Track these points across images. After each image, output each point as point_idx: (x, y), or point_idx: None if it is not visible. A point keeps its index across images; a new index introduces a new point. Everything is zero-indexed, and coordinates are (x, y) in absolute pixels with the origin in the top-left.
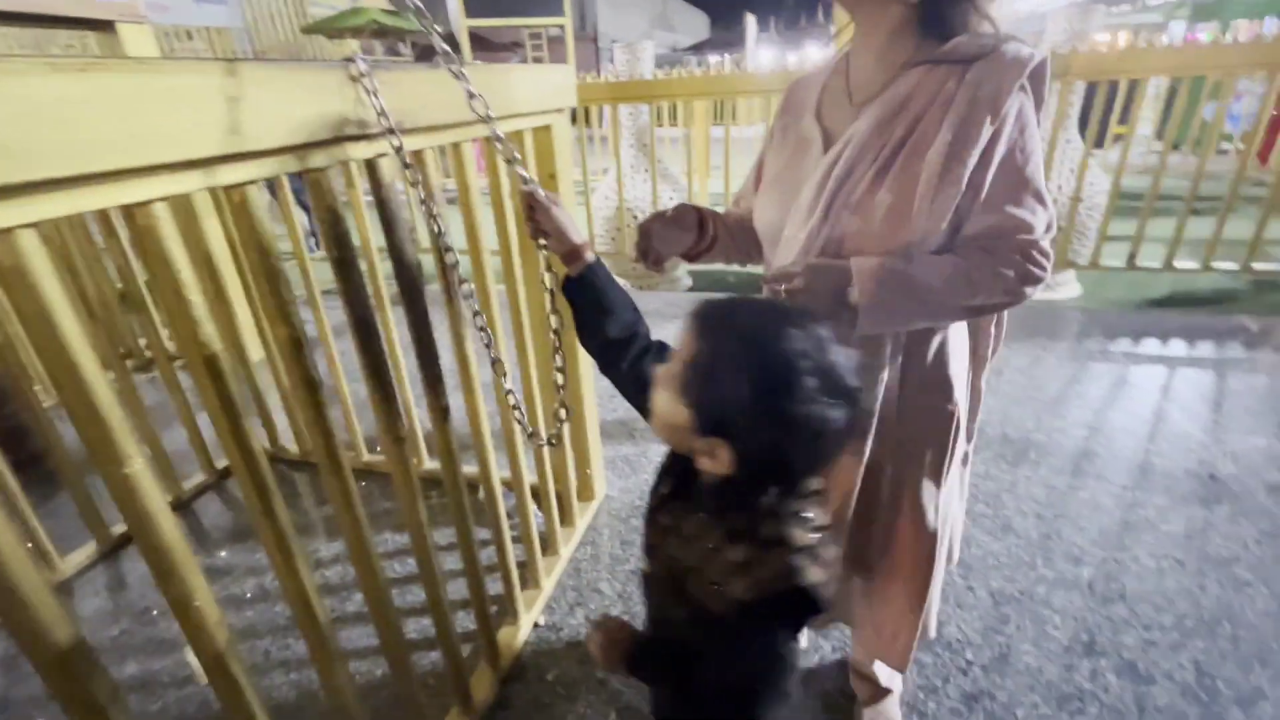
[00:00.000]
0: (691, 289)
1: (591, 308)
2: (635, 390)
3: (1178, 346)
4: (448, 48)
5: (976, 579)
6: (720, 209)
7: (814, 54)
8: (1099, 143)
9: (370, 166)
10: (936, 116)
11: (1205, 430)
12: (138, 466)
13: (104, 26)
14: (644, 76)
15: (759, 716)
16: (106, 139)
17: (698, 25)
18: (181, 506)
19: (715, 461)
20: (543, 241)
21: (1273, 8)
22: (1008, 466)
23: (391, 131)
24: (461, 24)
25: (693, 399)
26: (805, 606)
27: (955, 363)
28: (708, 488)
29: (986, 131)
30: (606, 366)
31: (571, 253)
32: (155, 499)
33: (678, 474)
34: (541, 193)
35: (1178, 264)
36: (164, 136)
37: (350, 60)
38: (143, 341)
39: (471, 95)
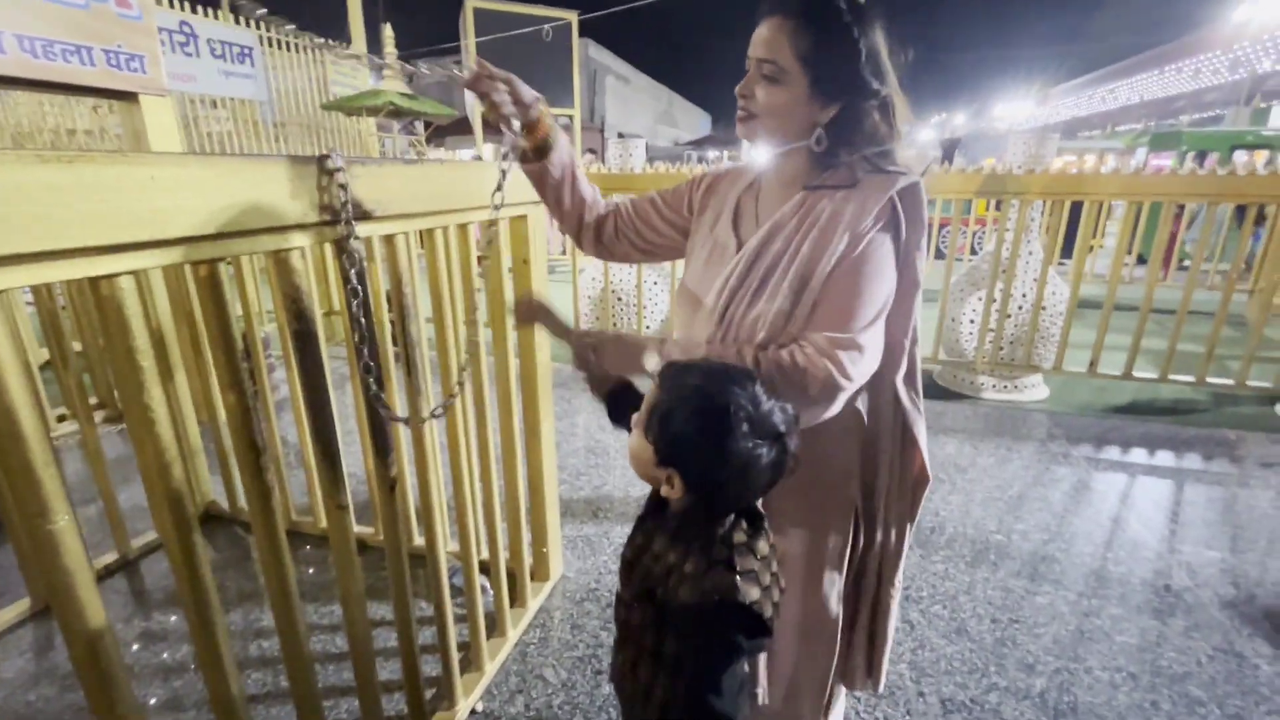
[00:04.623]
0: None
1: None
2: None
3: (1138, 454)
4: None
5: (928, 684)
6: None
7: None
8: (1066, 254)
9: (339, 248)
10: (805, 235)
11: (1162, 540)
12: (63, 523)
13: (128, 96)
14: (634, 171)
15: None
16: (84, 218)
17: (700, 122)
18: (128, 565)
19: (672, 489)
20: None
21: (1219, 142)
22: (966, 567)
23: (348, 221)
24: (476, 110)
25: (653, 436)
26: (749, 623)
27: (845, 454)
28: (673, 514)
29: (841, 246)
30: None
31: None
32: (78, 557)
33: (653, 504)
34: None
35: (1138, 373)
36: (138, 219)
37: (326, 156)
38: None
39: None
